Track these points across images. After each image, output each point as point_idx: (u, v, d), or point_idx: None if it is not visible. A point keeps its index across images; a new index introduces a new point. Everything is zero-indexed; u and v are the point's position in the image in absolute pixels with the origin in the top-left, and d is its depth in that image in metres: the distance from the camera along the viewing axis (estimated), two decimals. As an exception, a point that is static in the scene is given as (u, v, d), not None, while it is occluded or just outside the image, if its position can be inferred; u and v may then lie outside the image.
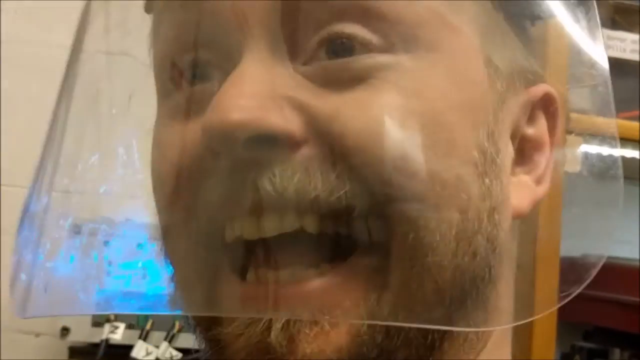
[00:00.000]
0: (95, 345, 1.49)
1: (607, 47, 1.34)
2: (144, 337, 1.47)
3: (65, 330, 1.51)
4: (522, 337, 1.22)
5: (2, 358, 1.68)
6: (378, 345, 0.40)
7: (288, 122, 0.39)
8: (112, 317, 1.50)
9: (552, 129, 0.48)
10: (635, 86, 1.39)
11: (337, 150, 0.39)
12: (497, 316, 0.46)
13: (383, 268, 0.40)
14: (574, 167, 1.25)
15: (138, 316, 1.49)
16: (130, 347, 1.47)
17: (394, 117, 0.40)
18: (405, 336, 0.40)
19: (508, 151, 0.45)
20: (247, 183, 0.40)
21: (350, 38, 0.40)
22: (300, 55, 0.41)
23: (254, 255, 0.41)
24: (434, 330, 0.41)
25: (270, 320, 0.39)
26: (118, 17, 0.48)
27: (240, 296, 0.41)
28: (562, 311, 1.32)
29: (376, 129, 0.39)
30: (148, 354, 1.44)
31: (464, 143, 0.41)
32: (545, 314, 1.23)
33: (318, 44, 0.41)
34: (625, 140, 1.32)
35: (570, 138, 1.27)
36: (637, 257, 1.81)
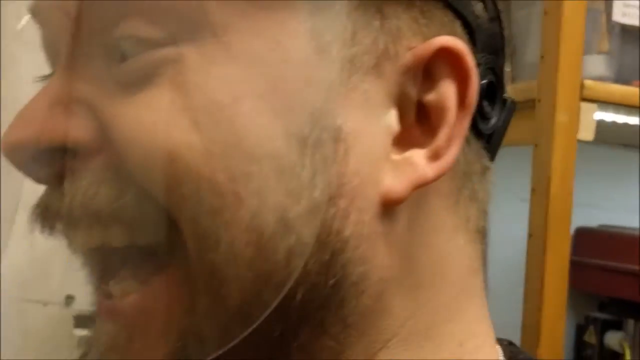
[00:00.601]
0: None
1: (623, 14, 1.33)
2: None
3: (69, 299, 1.52)
4: (532, 307, 1.21)
5: (9, 328, 1.70)
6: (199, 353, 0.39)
7: (74, 133, 0.39)
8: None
9: (462, 90, 0.41)
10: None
11: (120, 157, 0.38)
12: (384, 319, 0.41)
13: (184, 283, 0.39)
14: (587, 135, 1.24)
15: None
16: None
17: (169, 117, 0.37)
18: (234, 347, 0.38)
19: (380, 126, 0.40)
20: (44, 199, 0.41)
21: (132, 37, 0.38)
22: (95, 61, 0.40)
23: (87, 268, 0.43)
24: (274, 338, 0.39)
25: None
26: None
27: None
28: (576, 282, 1.31)
29: (149, 133, 0.37)
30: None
31: (259, 134, 0.37)
32: (556, 284, 1.23)
33: (109, 47, 0.39)
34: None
35: (584, 105, 1.26)
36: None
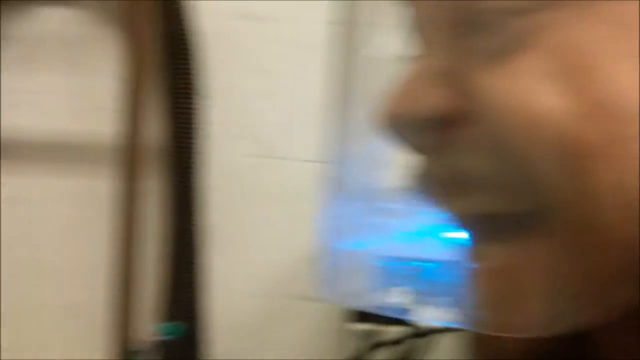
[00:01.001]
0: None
1: None
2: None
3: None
4: None
5: (277, 325, 1.80)
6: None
7: (449, 103, 0.41)
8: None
9: None
10: None
11: (492, 125, 0.39)
12: None
13: (557, 246, 0.39)
14: None
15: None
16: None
17: (541, 82, 0.38)
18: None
19: None
20: (425, 168, 0.43)
21: (498, 8, 0.39)
22: (463, 35, 0.41)
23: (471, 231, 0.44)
24: None
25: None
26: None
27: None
28: None
29: (519, 100, 0.38)
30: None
31: (637, 95, 0.36)
32: None
33: (475, 19, 0.40)
34: None
35: None
36: None
